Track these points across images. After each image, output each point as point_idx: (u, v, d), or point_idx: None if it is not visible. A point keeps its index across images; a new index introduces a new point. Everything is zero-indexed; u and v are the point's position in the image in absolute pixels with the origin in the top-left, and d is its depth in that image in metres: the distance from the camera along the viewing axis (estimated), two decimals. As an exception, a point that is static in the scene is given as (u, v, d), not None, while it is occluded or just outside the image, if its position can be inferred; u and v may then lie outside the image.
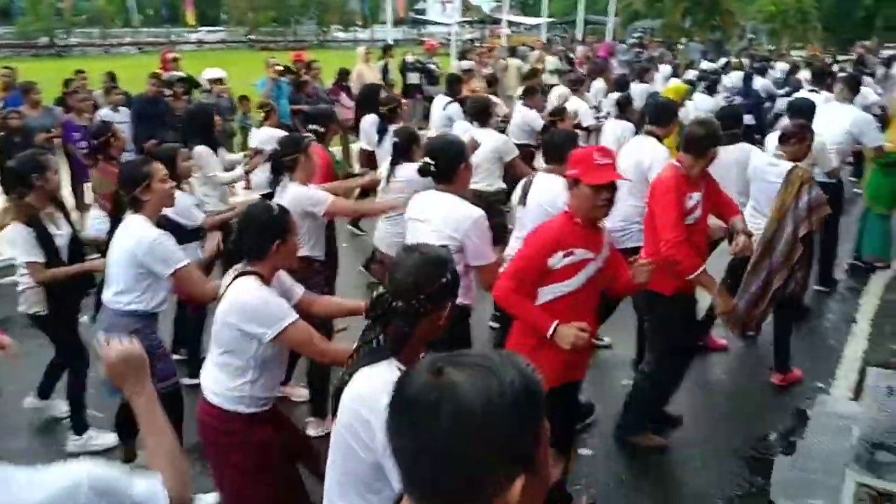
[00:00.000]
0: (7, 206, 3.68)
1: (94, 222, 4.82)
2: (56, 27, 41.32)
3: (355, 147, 10.26)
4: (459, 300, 3.29)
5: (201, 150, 5.06)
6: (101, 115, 7.75)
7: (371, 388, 1.75)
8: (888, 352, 5.13)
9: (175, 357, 4.11)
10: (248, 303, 2.46)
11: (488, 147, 5.47)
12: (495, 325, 5.28)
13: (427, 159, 3.28)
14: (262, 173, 6.08)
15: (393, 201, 4.15)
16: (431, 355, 0.96)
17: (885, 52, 18.55)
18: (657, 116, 4.85)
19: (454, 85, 8.52)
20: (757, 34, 42.41)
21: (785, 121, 5.89)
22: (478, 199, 5.39)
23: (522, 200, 4.08)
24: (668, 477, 3.86)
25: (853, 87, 6.37)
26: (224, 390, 2.56)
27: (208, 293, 3.06)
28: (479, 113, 5.78)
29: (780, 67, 14.04)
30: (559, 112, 6.11)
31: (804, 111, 5.39)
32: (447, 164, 3.26)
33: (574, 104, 8.11)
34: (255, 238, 2.53)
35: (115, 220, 3.30)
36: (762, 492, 3.65)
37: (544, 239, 2.84)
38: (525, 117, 7.43)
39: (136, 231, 3.14)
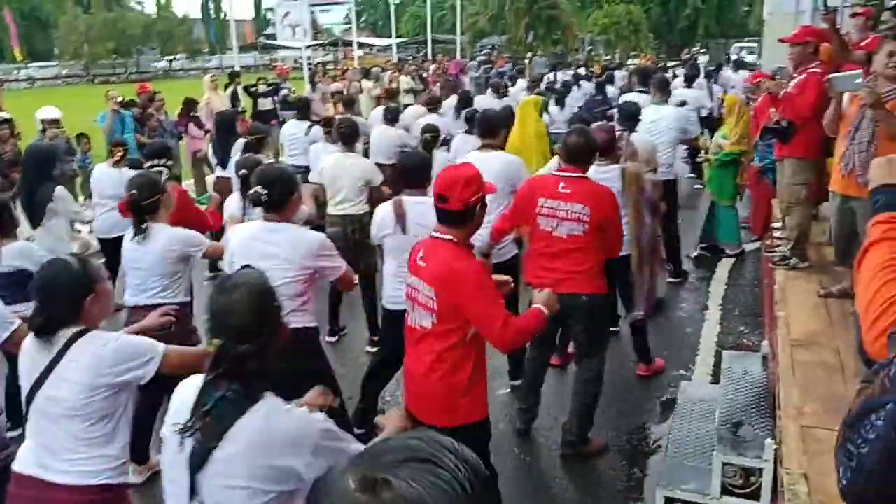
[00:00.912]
0: None
1: None
2: None
3: (210, 178, 9.88)
4: (304, 323, 3.27)
5: (61, 191, 5.01)
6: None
7: (282, 434, 1.72)
8: (738, 334, 5.52)
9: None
10: (112, 352, 2.29)
11: (357, 171, 5.40)
12: (372, 349, 5.23)
13: (259, 189, 3.17)
14: (106, 216, 5.70)
15: None
16: (351, 466, 0.80)
17: (703, 58, 20.54)
18: (485, 130, 4.95)
19: (307, 109, 8.37)
20: (594, 46, 45.06)
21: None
22: (351, 222, 5.35)
23: (402, 227, 3.87)
24: (550, 476, 3.92)
25: (663, 88, 6.86)
26: (86, 465, 2.29)
27: None
28: (349, 135, 5.64)
29: (620, 75, 14.93)
30: (433, 130, 6.09)
31: (631, 114, 5.66)
32: (280, 195, 3.20)
33: (428, 121, 8.22)
34: (62, 302, 2.31)
35: None
36: (641, 483, 3.79)
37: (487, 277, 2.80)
38: (401, 137, 7.47)
39: None
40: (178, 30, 54.67)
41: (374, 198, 5.42)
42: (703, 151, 7.88)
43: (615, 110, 6.59)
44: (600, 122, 5.29)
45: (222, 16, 59.19)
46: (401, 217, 3.88)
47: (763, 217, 7.37)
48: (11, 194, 4.93)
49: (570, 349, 4.98)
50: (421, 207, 3.73)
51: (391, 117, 7.84)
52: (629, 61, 32.99)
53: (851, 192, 4.32)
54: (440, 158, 5.81)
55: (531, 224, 3.88)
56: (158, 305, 3.38)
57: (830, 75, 4.46)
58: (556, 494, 3.79)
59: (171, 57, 53.39)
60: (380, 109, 8.86)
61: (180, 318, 3.45)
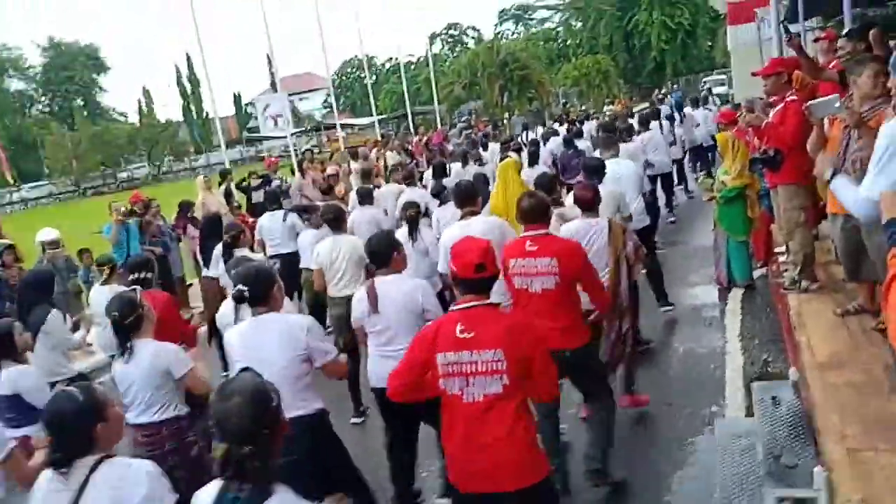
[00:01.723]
0: None
1: None
2: None
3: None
4: (307, 409, 3.30)
5: (53, 316, 5.02)
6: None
7: None
8: (762, 363, 5.50)
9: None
10: (133, 486, 2.30)
11: (354, 252, 5.50)
12: (358, 420, 5.47)
13: (241, 287, 3.36)
14: (106, 333, 5.71)
15: None
16: None
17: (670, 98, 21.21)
18: (462, 200, 5.16)
19: (278, 199, 8.54)
20: (568, 98, 46.20)
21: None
22: (349, 304, 5.36)
23: (374, 307, 3.92)
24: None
25: (609, 145, 7.15)
26: None
27: None
28: (335, 220, 5.82)
29: (588, 128, 15.19)
30: (414, 206, 6.20)
31: (596, 169, 5.83)
32: (261, 290, 3.37)
33: (408, 197, 8.35)
34: (74, 433, 2.32)
35: None
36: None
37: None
38: (374, 217, 7.59)
39: None
40: (163, 135, 55.79)
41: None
42: (705, 191, 7.96)
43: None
44: (578, 180, 5.50)
45: (204, 115, 60.63)
46: (372, 299, 3.95)
47: (764, 243, 7.43)
48: (14, 319, 4.97)
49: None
50: (390, 286, 3.92)
51: (363, 199, 7.90)
52: (605, 108, 33.77)
53: (851, 210, 4.38)
54: (425, 232, 5.93)
55: (510, 287, 4.05)
56: (160, 423, 3.51)
57: (809, 103, 4.59)
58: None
59: (158, 162, 54.44)
60: (353, 192, 8.95)
61: (177, 436, 3.55)
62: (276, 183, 12.78)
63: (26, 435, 3.99)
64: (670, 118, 12.96)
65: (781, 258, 6.25)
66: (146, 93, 61.38)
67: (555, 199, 5.38)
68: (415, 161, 16.77)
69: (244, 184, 12.68)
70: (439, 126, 29.73)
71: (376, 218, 7.66)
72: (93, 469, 2.29)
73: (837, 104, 4.24)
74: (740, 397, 5.00)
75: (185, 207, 10.59)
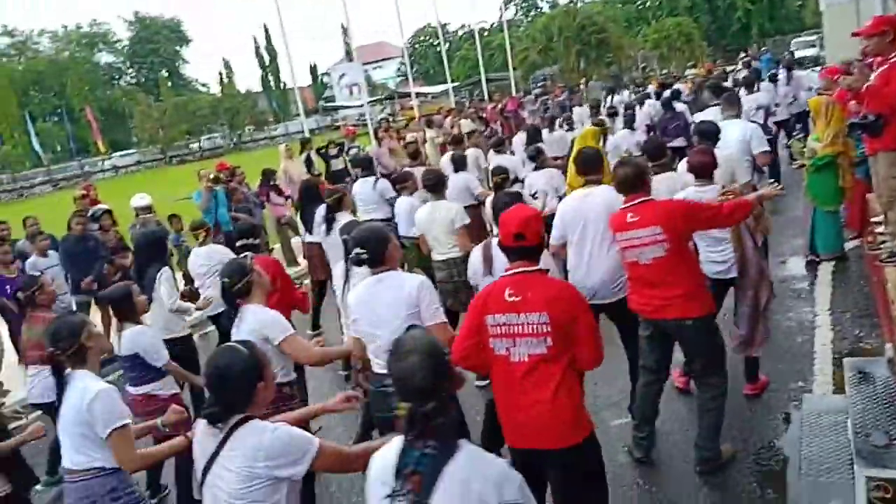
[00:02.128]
0: None
1: (32, 380, 4.75)
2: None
3: (296, 241, 10.25)
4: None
5: (168, 274, 5.26)
6: (30, 263, 7.50)
7: (485, 476, 1.88)
8: (854, 338, 5.28)
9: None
10: (269, 443, 2.27)
11: (446, 218, 5.64)
12: (482, 383, 5.25)
13: (358, 250, 3.38)
14: (213, 291, 5.93)
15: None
16: None
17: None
18: (585, 168, 4.91)
19: (370, 165, 8.71)
20: (648, 61, 44.69)
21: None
22: (454, 265, 5.57)
23: (489, 270, 4.03)
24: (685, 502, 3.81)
25: (733, 103, 6.71)
26: None
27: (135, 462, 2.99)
28: (435, 185, 5.88)
29: (682, 89, 14.72)
30: (502, 172, 6.18)
31: (709, 133, 5.54)
32: (377, 250, 3.38)
33: (498, 163, 8.35)
34: (237, 390, 2.32)
35: (59, 383, 3.02)
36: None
37: None
38: (466, 182, 7.65)
39: (80, 386, 2.95)
40: (243, 105, 57.33)
41: (461, 243, 5.59)
42: (796, 157, 7.62)
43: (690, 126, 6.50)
44: (699, 145, 5.15)
45: (282, 86, 61.83)
46: (488, 260, 4.05)
47: (860, 213, 7.06)
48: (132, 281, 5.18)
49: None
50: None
51: (457, 165, 7.98)
52: (686, 72, 32.56)
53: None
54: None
55: (623, 261, 3.98)
56: None
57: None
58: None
59: (239, 131, 56.10)
60: (447, 157, 9.03)
61: (278, 400, 3.48)
62: (353, 151, 12.97)
63: (148, 393, 4.24)
64: (773, 79, 12.15)
65: (879, 229, 5.92)
66: (226, 64, 63.07)
67: (663, 165, 5.21)
68: (489, 128, 16.66)
69: (323, 151, 12.92)
70: (514, 92, 29.31)
71: (467, 181, 7.72)
72: (235, 427, 2.30)
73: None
74: (829, 374, 4.83)
75: (268, 175, 10.90)
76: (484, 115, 18.59)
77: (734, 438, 4.25)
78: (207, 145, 53.12)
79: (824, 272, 6.67)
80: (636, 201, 3.85)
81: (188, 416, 3.50)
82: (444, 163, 8.78)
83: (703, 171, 4.53)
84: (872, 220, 6.39)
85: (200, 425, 2.42)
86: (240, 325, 3.58)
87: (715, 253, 4.61)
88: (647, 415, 4.21)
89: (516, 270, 2.97)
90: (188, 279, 6.15)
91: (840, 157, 6.51)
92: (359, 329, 3.50)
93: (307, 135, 15.36)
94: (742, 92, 9.81)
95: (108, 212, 8.78)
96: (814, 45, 31.55)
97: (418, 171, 6.99)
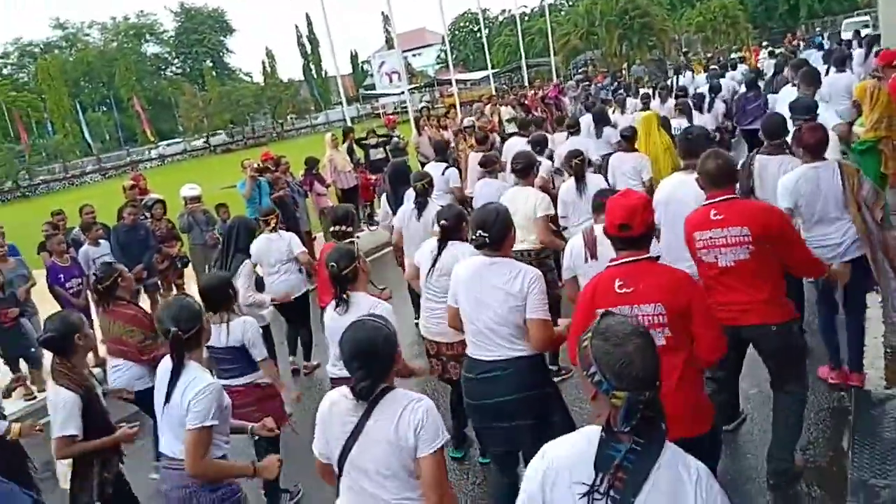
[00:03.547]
0: (57, 371, 3.45)
1: (116, 372, 4.60)
2: (18, 169, 41.47)
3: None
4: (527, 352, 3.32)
5: (250, 268, 5.38)
6: (83, 252, 7.70)
7: (689, 473, 1.73)
8: (907, 331, 5.14)
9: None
10: (421, 416, 2.32)
11: (528, 206, 5.31)
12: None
13: (481, 232, 3.27)
14: (279, 282, 6.04)
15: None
16: None
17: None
18: (688, 152, 4.75)
19: (444, 151, 8.58)
20: (690, 45, 43.78)
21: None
22: (522, 259, 4.97)
23: (593, 254, 3.89)
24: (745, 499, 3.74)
25: (811, 81, 6.49)
26: None
27: (199, 467, 2.86)
28: (523, 169, 5.56)
29: (741, 69, 14.54)
30: (578, 155, 5.96)
31: (809, 108, 5.29)
32: (499, 233, 3.28)
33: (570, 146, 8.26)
34: (383, 360, 2.37)
35: (177, 368, 2.94)
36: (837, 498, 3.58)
37: None
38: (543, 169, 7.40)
39: (191, 376, 2.90)
40: (285, 93, 57.96)
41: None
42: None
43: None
44: (809, 123, 4.63)
45: (323, 74, 62.26)
46: (591, 244, 3.90)
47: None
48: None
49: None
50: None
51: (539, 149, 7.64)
52: (731, 56, 31.79)
53: None
54: (593, 182, 5.75)
55: (696, 261, 3.69)
56: None
57: None
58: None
59: (282, 120, 56.74)
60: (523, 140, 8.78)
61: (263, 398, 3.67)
62: (395, 140, 13.03)
63: (251, 383, 4.09)
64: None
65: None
66: (269, 53, 63.82)
67: (780, 146, 4.85)
68: (531, 115, 16.56)
69: (364, 141, 13.02)
70: (554, 78, 29.03)
71: (543, 170, 7.39)
72: (378, 397, 2.33)
73: None
74: (881, 367, 4.72)
75: (312, 164, 11.03)
76: (525, 101, 18.48)
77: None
78: (251, 133, 53.88)
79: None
80: (723, 198, 3.53)
81: (279, 432, 3.61)
82: (520, 146, 8.34)
83: (816, 147, 4.16)
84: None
85: (331, 401, 2.44)
86: (350, 313, 3.42)
87: (828, 237, 4.27)
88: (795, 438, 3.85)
89: (624, 260, 2.83)
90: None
91: (883, 143, 6.37)
92: (459, 304, 3.43)
93: (349, 123, 15.46)
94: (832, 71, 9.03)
95: (161, 201, 9.01)
96: (866, 26, 30.46)
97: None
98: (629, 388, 1.67)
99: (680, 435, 2.67)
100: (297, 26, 65.19)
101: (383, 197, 7.54)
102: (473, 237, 3.31)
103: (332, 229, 5.11)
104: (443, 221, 4.09)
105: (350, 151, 12.40)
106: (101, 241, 7.92)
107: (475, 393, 3.36)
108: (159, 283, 8.54)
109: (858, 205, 4.06)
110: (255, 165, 9.69)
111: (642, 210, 2.80)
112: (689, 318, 2.76)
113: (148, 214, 8.73)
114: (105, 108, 64.20)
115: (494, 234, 3.26)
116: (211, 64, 72.70)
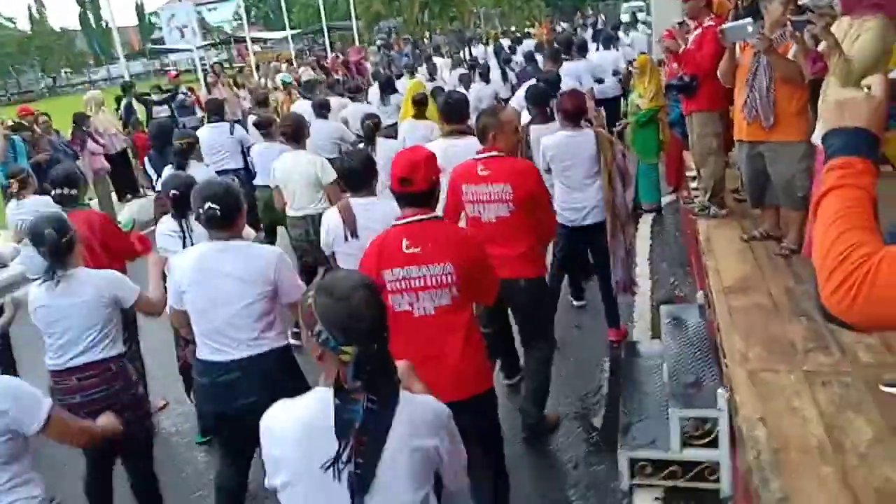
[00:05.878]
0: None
1: None
2: None
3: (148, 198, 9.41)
4: (272, 345, 2.98)
5: None
6: None
7: (424, 423, 1.72)
8: (670, 287, 5.66)
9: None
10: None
11: (309, 171, 5.11)
12: None
13: (211, 205, 2.87)
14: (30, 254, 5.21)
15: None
16: None
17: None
18: (450, 116, 4.81)
19: (221, 110, 7.89)
20: (489, 19, 45.29)
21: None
22: (312, 223, 4.91)
23: (353, 232, 3.67)
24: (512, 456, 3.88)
25: (555, 58, 7.17)
26: None
27: None
28: (295, 133, 5.30)
29: (528, 43, 15.43)
30: (374, 117, 5.97)
31: (551, 83, 5.84)
32: (230, 210, 2.92)
33: (353, 111, 8.13)
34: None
35: None
36: (600, 446, 3.82)
37: None
38: (340, 132, 7.32)
39: None
40: (58, 43, 51.67)
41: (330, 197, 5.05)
42: (623, 117, 8.11)
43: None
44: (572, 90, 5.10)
45: (104, 24, 56.39)
46: (350, 222, 3.67)
47: (676, 169, 7.59)
48: None
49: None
50: (370, 211, 3.61)
51: (320, 110, 7.49)
52: (526, 31, 33.32)
53: (758, 138, 4.43)
54: (386, 147, 5.60)
55: (462, 213, 3.80)
56: (92, 364, 3.05)
57: (722, 27, 4.56)
58: (519, 471, 3.77)
59: (54, 74, 50.64)
60: (306, 104, 8.54)
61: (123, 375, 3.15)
62: (180, 98, 12.05)
63: None
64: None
65: (692, 184, 6.36)
66: (37, -4, 56.41)
67: (545, 113, 5.20)
68: (334, 78, 16.13)
69: (146, 97, 11.89)
70: (356, 43, 28.62)
71: (339, 131, 7.29)
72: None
73: (750, 29, 4.19)
74: (648, 320, 5.14)
75: (81, 120, 9.88)
76: (325, 63, 17.98)
77: (560, 385, 4.37)
78: (16, 88, 47.52)
79: (644, 226, 7.10)
80: (491, 154, 3.67)
81: None
82: (305, 108, 8.04)
83: (574, 114, 4.48)
84: (687, 175, 6.87)
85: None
86: (68, 291, 3.00)
87: (575, 201, 4.59)
88: (543, 398, 4.06)
89: (410, 219, 2.74)
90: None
91: (661, 112, 6.97)
92: (187, 301, 2.97)
93: (128, 79, 14.06)
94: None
95: None
96: (642, 10, 33.33)
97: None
98: (357, 342, 1.61)
99: (473, 392, 2.79)
100: (70, -31, 58.19)
101: (146, 159, 6.86)
102: (204, 210, 2.89)
103: (52, 194, 4.38)
104: (173, 191, 3.74)
105: (129, 110, 11.27)
106: None
107: (215, 398, 3.01)
108: None
109: (610, 173, 4.45)
110: (9, 123, 8.45)
111: (424, 165, 2.72)
112: (475, 273, 2.77)
113: None
114: None
115: (226, 208, 2.89)
116: (-38, 5, 62.91)
